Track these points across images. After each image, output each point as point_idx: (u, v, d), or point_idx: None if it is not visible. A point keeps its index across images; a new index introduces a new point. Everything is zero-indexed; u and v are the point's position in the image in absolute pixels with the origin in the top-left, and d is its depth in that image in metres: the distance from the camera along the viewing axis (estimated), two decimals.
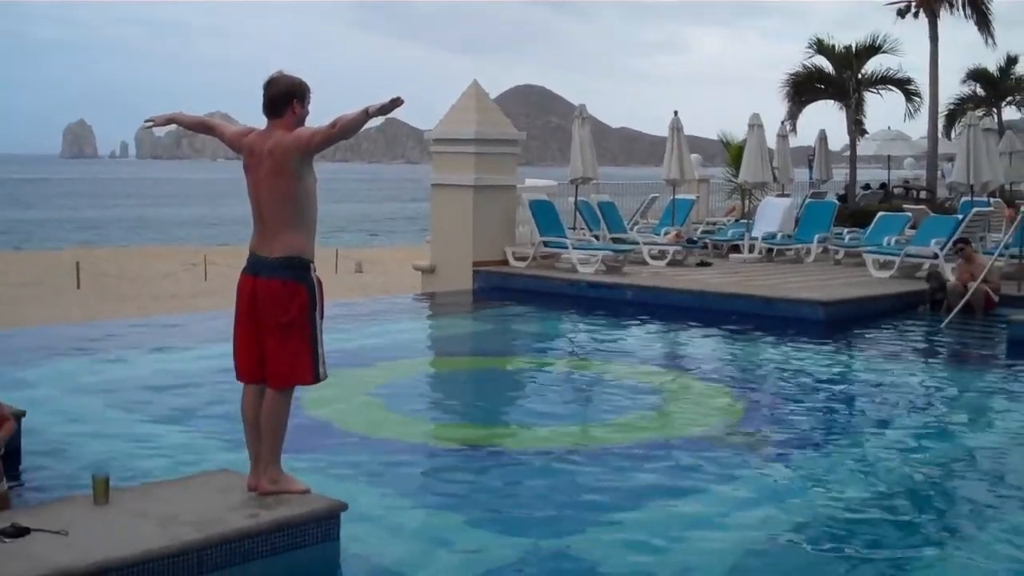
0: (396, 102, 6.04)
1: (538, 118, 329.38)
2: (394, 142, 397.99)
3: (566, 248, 19.40)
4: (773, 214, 22.96)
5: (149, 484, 6.69)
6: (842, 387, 12.12)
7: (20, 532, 5.61)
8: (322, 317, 6.54)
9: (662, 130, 23.22)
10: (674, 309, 16.62)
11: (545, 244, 19.53)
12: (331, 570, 6.24)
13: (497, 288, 18.84)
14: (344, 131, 6.15)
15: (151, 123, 6.93)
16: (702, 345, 14.87)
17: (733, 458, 8.87)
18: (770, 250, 22.14)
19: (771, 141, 25.77)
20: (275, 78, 6.40)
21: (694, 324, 15.73)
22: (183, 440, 8.96)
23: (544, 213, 19.76)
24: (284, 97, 6.34)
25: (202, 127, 6.91)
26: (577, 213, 21.31)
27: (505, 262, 19.56)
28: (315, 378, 6.51)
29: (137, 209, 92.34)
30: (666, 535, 7.03)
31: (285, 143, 6.23)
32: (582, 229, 21.31)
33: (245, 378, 6.54)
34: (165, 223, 76.83)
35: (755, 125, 23.12)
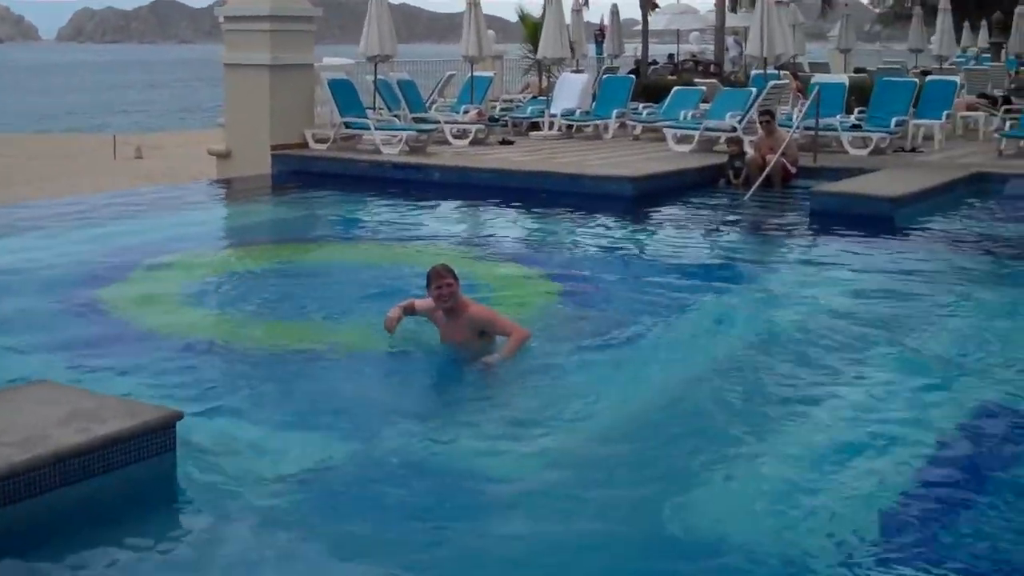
0: None
1: None
2: (166, 22, 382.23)
3: (368, 129, 18.86)
4: (571, 90, 22.87)
5: None
6: (658, 264, 12.15)
7: None
8: None
9: (442, 6, 22.72)
10: (482, 188, 16.41)
11: (346, 125, 18.93)
12: (168, 483, 5.84)
13: (297, 172, 18.20)
14: None
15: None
16: (513, 226, 14.77)
17: (551, 345, 8.64)
18: (570, 126, 22.10)
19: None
20: None
21: (503, 203, 15.59)
22: None
23: (344, 93, 19.12)
24: None
25: None
26: (376, 93, 20.73)
27: (305, 144, 18.88)
28: None
29: None
30: (492, 432, 6.86)
31: None
32: (381, 109, 20.76)
33: None
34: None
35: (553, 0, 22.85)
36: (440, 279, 7.96)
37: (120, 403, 5.99)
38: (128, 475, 5.61)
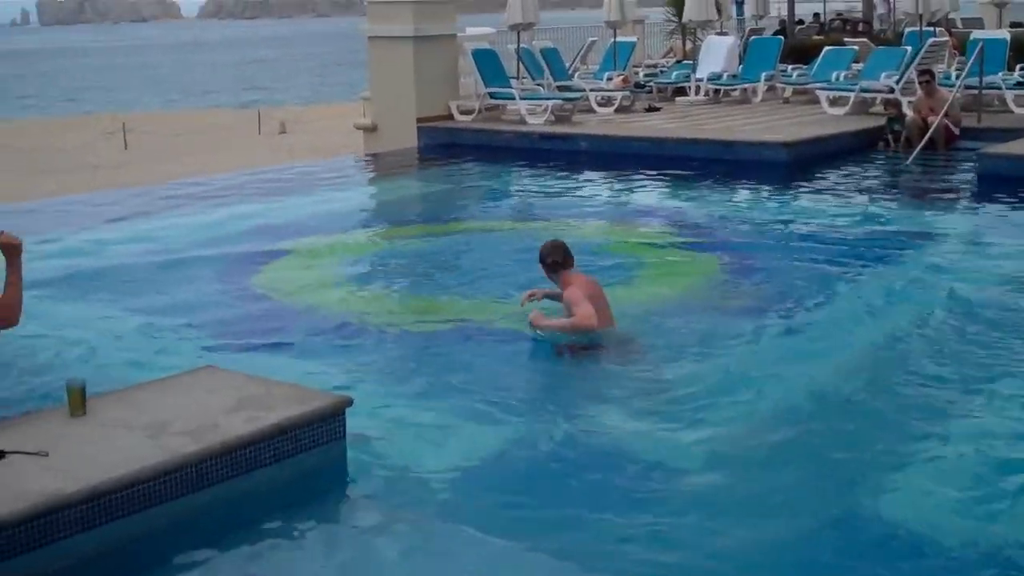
0: None
1: None
2: None
3: (513, 99, 18.61)
4: (717, 54, 22.23)
5: (129, 389, 5.96)
6: (818, 234, 11.61)
7: None
8: None
9: None
10: (632, 157, 16.04)
11: (491, 96, 18.71)
12: (339, 472, 5.68)
13: (444, 144, 18.05)
14: None
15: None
16: (666, 195, 14.39)
17: (713, 320, 8.38)
18: (716, 91, 21.51)
19: None
20: None
21: (655, 172, 15.20)
22: (149, 334, 8.19)
23: (488, 63, 18.87)
24: None
25: None
26: (519, 62, 20.45)
27: (450, 116, 18.73)
28: None
29: (40, 78, 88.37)
30: (658, 414, 6.59)
31: None
32: (525, 78, 20.48)
33: None
34: (73, 90, 73.91)
35: None
36: (540, 259, 7.94)
37: (289, 389, 5.84)
38: (298, 464, 5.46)
